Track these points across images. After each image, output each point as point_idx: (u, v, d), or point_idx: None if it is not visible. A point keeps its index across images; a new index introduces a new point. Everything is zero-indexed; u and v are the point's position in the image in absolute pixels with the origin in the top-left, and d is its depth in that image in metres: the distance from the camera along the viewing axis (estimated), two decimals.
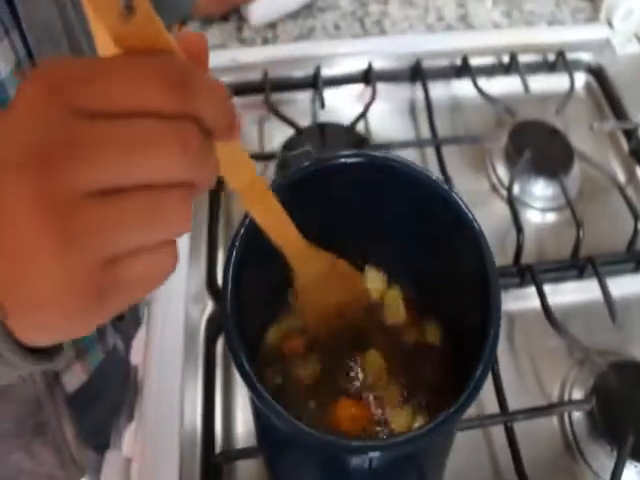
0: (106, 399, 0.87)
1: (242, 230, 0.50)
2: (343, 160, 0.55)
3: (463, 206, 0.52)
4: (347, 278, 0.57)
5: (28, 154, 0.29)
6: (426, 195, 0.54)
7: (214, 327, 0.74)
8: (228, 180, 0.40)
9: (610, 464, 0.64)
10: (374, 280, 0.61)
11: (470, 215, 0.51)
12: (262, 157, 0.89)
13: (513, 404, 0.67)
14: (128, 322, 0.89)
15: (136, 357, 0.74)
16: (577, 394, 0.70)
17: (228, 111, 0.33)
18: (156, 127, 0.30)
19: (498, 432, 0.67)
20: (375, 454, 0.44)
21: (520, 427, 0.66)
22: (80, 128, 0.29)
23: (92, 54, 0.74)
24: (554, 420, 0.69)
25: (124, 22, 0.31)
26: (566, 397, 0.70)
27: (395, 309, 0.61)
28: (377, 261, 0.62)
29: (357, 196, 0.57)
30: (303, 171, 0.54)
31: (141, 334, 0.75)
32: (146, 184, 0.31)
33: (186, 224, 0.32)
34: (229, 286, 0.47)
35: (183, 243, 0.78)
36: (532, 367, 0.73)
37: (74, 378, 0.78)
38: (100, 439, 0.85)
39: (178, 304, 0.73)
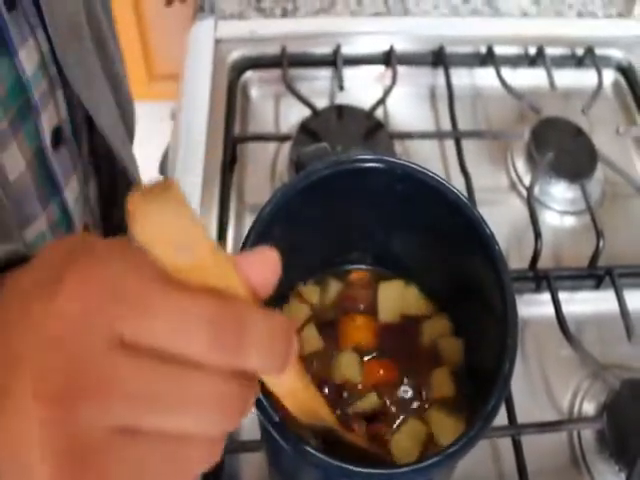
0: None
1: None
2: (360, 164, 0.52)
3: (484, 224, 0.49)
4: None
5: (50, 380, 0.27)
6: (445, 206, 0.51)
7: None
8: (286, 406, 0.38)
9: None
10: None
11: (490, 232, 0.49)
12: (277, 138, 0.87)
13: (521, 413, 0.66)
14: None
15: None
16: (588, 408, 0.69)
17: (283, 353, 0.30)
18: (198, 381, 0.28)
19: (505, 443, 0.66)
20: None
21: (527, 439, 0.65)
22: (116, 363, 0.27)
23: (117, 52, 0.71)
24: (563, 435, 0.68)
25: (182, 261, 0.27)
26: (576, 410, 0.69)
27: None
28: (391, 268, 0.60)
29: (373, 201, 0.55)
30: (318, 173, 0.51)
31: None
32: (179, 434, 0.28)
33: (208, 464, 0.30)
34: None
35: None
36: (542, 376, 0.72)
37: None
38: None
39: None
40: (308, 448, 0.41)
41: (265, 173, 0.85)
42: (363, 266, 0.60)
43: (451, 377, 0.54)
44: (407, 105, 0.94)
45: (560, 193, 0.83)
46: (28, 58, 0.53)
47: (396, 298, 0.58)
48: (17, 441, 0.27)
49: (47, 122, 0.58)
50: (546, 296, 0.74)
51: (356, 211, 0.55)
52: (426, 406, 0.54)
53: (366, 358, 0.56)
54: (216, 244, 0.28)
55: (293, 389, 0.38)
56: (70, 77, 0.57)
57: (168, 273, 0.27)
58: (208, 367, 0.28)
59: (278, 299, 0.57)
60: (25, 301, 0.28)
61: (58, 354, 0.27)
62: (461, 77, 0.95)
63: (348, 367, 0.55)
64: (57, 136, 0.60)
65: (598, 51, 0.96)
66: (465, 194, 0.51)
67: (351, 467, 0.41)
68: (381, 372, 0.55)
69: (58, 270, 0.27)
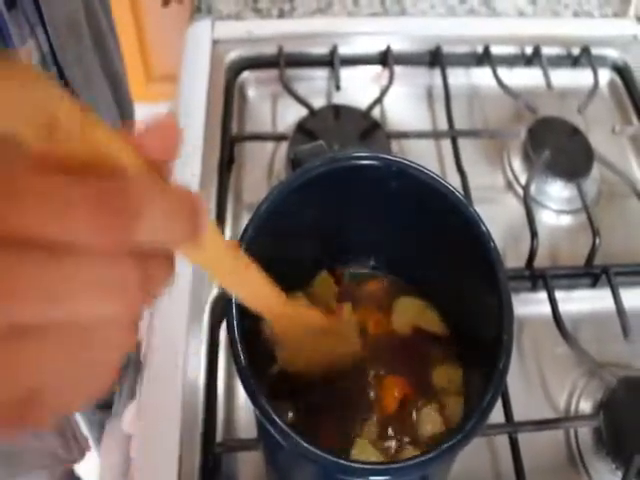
0: None
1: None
2: (356, 162, 0.53)
3: (481, 223, 0.49)
4: (337, 332, 0.53)
5: None
6: (441, 203, 0.51)
7: (218, 310, 0.72)
8: (210, 273, 0.36)
9: None
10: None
11: (485, 229, 0.49)
12: (274, 137, 0.88)
13: (518, 410, 0.66)
14: None
15: (140, 334, 0.73)
16: (584, 406, 0.69)
17: (185, 218, 0.28)
18: (88, 268, 0.25)
19: (501, 440, 0.66)
20: (376, 478, 0.42)
21: (524, 437, 0.65)
22: None
23: (117, 51, 0.71)
24: (559, 432, 0.68)
25: (48, 136, 0.24)
26: (573, 408, 0.69)
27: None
28: (386, 266, 0.61)
29: (369, 198, 0.55)
30: (314, 170, 0.51)
31: (145, 311, 0.73)
32: (76, 324, 0.26)
33: (121, 350, 0.28)
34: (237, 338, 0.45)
35: None
36: (539, 374, 0.72)
37: None
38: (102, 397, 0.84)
39: (183, 285, 0.72)
40: (304, 443, 0.41)
41: (262, 172, 0.85)
42: (358, 264, 0.60)
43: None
44: (404, 105, 0.94)
45: (556, 192, 0.84)
46: (28, 56, 0.53)
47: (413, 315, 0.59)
48: None
49: None
50: (542, 295, 0.74)
51: (352, 208, 0.55)
52: None
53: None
54: (89, 115, 0.26)
55: (229, 267, 0.36)
56: (69, 76, 0.57)
57: (35, 155, 0.25)
58: (93, 249, 0.25)
59: None
60: None
61: None
62: (458, 77, 0.95)
63: None
64: None
65: (594, 51, 0.96)
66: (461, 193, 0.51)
67: (347, 462, 0.41)
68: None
69: None
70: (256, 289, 0.41)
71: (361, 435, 0.53)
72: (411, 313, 0.58)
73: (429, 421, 0.53)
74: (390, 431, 0.53)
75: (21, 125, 0.24)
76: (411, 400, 0.54)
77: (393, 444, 0.52)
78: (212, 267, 0.36)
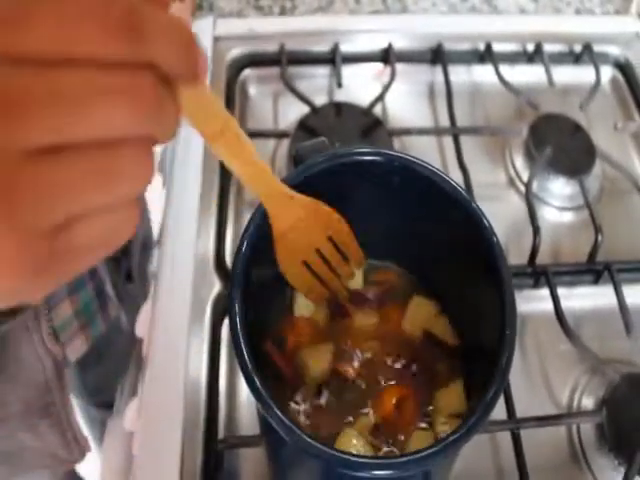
0: (108, 363, 0.87)
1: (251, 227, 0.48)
2: (358, 157, 0.53)
3: (483, 217, 0.49)
4: (328, 219, 0.52)
5: None
6: (443, 198, 0.51)
7: (220, 308, 0.72)
8: (196, 128, 0.36)
9: (616, 478, 0.63)
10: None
11: (489, 227, 0.49)
12: (275, 135, 0.87)
13: (520, 407, 0.66)
14: (135, 293, 0.88)
15: (141, 330, 0.73)
16: (587, 403, 0.69)
17: (190, 54, 0.29)
18: (102, 76, 0.26)
19: (504, 437, 0.66)
20: (378, 472, 0.42)
21: (527, 433, 0.65)
22: (10, 78, 0.25)
23: None
24: (562, 429, 0.68)
25: None
26: (575, 405, 0.69)
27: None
28: (390, 260, 0.61)
29: (371, 194, 0.55)
30: (317, 167, 0.52)
31: (147, 308, 0.73)
32: (97, 140, 0.27)
33: (144, 181, 0.29)
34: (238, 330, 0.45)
35: (191, 221, 0.76)
36: (542, 371, 0.72)
37: (76, 349, 0.77)
38: (104, 397, 0.84)
39: (185, 283, 0.72)
40: (307, 438, 0.41)
41: None
42: None
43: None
44: (406, 102, 0.94)
45: (558, 189, 0.84)
46: None
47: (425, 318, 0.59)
48: None
49: None
50: (545, 291, 0.74)
51: (355, 204, 0.55)
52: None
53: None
54: None
55: (223, 127, 0.37)
56: None
57: None
58: (110, 60, 0.26)
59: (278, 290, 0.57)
60: None
61: None
62: (459, 74, 0.95)
63: None
64: None
65: (596, 48, 0.96)
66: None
67: (350, 457, 0.41)
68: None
69: None
70: (246, 158, 0.42)
71: (353, 426, 0.53)
72: (424, 316, 0.58)
73: (420, 439, 0.53)
74: (381, 430, 0.53)
75: None
76: (409, 412, 0.54)
77: (380, 443, 0.52)
78: (204, 124, 0.36)
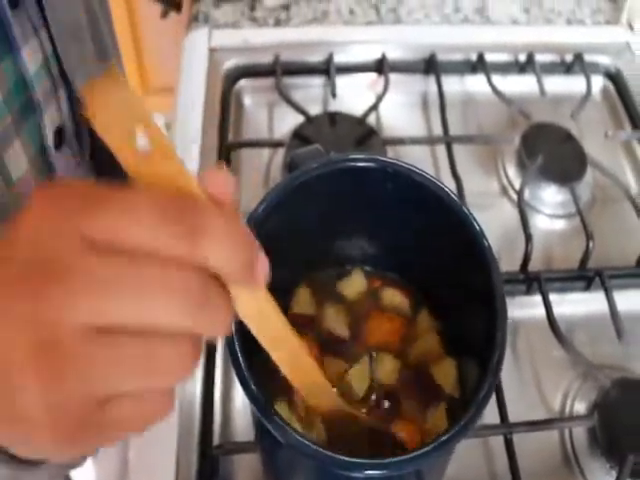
0: None
1: None
2: (352, 164, 0.53)
3: (474, 222, 0.50)
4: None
5: (21, 274, 0.28)
6: (435, 204, 0.52)
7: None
8: (250, 328, 0.37)
9: None
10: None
11: (480, 231, 0.50)
12: (270, 144, 0.88)
13: (513, 412, 0.67)
14: None
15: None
16: (579, 407, 0.69)
17: (245, 253, 0.31)
18: (154, 271, 0.29)
19: (497, 441, 0.67)
20: (372, 472, 0.43)
21: (519, 438, 0.66)
22: (83, 258, 0.28)
23: (116, 53, 0.72)
24: (554, 433, 0.69)
25: (136, 154, 0.29)
26: (567, 410, 0.70)
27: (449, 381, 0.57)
28: (382, 265, 0.61)
29: (365, 200, 0.56)
30: (311, 173, 0.52)
31: None
32: (145, 329, 0.29)
33: (181, 375, 0.31)
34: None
35: None
36: (534, 376, 0.73)
37: None
38: None
39: None
40: (301, 438, 0.42)
41: (259, 179, 0.86)
42: (352, 265, 0.61)
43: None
44: (399, 112, 0.95)
45: (550, 197, 0.84)
46: (31, 57, 0.54)
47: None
48: None
49: (49, 122, 0.59)
50: (537, 298, 0.75)
51: (349, 210, 0.56)
52: None
53: None
54: (171, 145, 0.30)
55: (283, 339, 0.38)
56: (72, 77, 0.58)
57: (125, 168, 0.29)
58: (166, 256, 0.29)
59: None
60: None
61: (28, 250, 0.28)
62: (452, 84, 0.96)
63: None
64: (59, 136, 0.61)
65: (587, 58, 0.97)
66: None
67: (343, 457, 0.42)
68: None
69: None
70: (304, 370, 0.42)
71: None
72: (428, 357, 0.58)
73: None
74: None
75: (123, 139, 0.29)
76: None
77: None
78: (260, 327, 0.37)
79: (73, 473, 0.90)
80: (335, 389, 0.47)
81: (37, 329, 0.28)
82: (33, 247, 0.28)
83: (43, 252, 0.28)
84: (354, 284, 0.61)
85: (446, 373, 0.56)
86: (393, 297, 0.60)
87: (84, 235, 0.28)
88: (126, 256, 0.28)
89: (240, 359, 0.44)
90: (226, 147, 0.85)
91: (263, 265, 0.32)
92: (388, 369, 0.57)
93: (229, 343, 0.44)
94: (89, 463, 0.83)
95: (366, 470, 0.42)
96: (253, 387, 0.43)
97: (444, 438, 0.42)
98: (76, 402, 0.29)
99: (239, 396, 0.70)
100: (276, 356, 0.39)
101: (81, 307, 0.28)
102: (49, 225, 0.29)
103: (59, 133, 0.61)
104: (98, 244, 0.28)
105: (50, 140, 0.59)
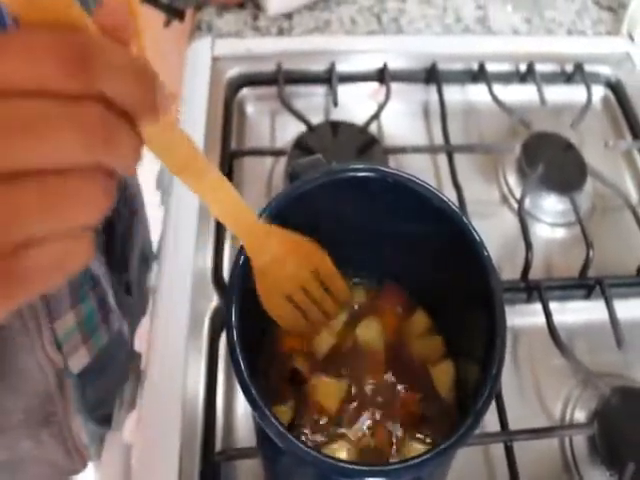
0: (109, 376, 0.88)
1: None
2: (353, 174, 0.54)
3: (474, 232, 0.50)
4: (311, 255, 0.53)
5: None
6: (435, 214, 0.52)
7: (218, 322, 0.73)
8: (162, 162, 0.37)
9: None
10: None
11: (481, 245, 0.50)
12: (273, 152, 0.89)
13: (513, 419, 0.67)
14: (134, 307, 0.89)
15: (140, 345, 0.74)
16: (579, 415, 0.70)
17: (146, 90, 0.31)
18: (51, 107, 0.28)
19: (497, 449, 0.67)
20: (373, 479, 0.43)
21: (519, 445, 0.66)
22: None
23: None
24: (554, 441, 0.69)
25: None
26: (568, 418, 0.70)
27: (445, 384, 0.57)
28: (383, 276, 0.62)
29: (366, 211, 0.56)
30: (312, 183, 0.53)
31: (145, 322, 0.74)
32: (47, 167, 0.28)
33: (94, 210, 0.30)
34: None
35: (189, 237, 0.77)
36: (534, 384, 0.73)
37: (78, 361, 0.78)
38: (103, 410, 0.85)
39: (183, 297, 0.73)
40: (302, 446, 0.42)
41: (261, 187, 0.86)
42: (356, 275, 0.62)
43: None
44: (401, 121, 0.95)
45: (550, 206, 0.85)
46: None
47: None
48: None
49: None
50: (537, 306, 0.75)
51: (350, 220, 0.56)
52: None
53: None
54: None
55: (187, 160, 0.38)
56: None
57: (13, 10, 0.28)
58: (59, 92, 0.28)
59: None
60: None
61: None
62: (453, 93, 0.97)
63: None
64: None
65: (587, 68, 0.98)
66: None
67: (343, 464, 0.42)
68: None
69: None
70: (225, 198, 0.43)
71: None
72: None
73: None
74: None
75: None
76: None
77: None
78: (170, 157, 0.37)
79: (78, 478, 0.91)
80: None
81: None
82: None
83: None
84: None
85: (444, 374, 0.57)
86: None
87: None
88: (13, 98, 0.27)
89: (242, 365, 0.44)
90: (229, 155, 0.86)
91: (163, 95, 0.32)
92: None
93: (231, 350, 0.45)
94: (90, 469, 0.84)
95: (366, 477, 0.42)
96: (254, 393, 0.44)
97: (444, 446, 0.42)
98: None
99: (241, 402, 0.70)
100: (183, 180, 0.39)
101: None
102: None
103: None
104: None
105: None
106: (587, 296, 0.78)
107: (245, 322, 0.47)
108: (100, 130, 0.29)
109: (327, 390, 0.56)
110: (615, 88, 0.99)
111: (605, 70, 0.99)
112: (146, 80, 0.31)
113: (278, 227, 0.48)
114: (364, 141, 0.88)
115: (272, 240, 0.48)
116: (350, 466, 0.42)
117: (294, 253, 0.50)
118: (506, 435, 0.66)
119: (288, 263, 0.51)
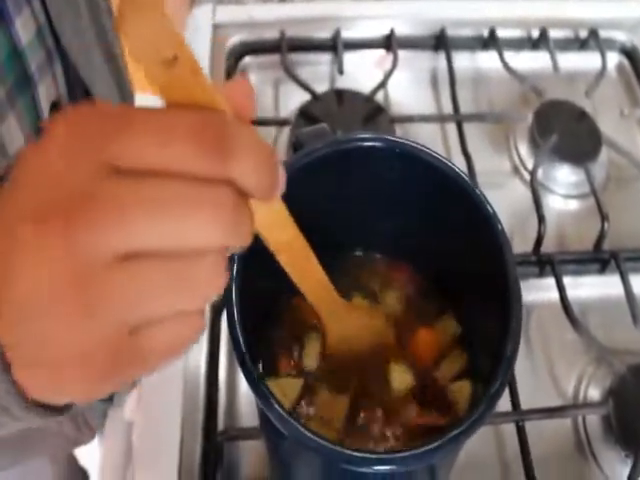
0: None
1: None
2: (359, 144, 0.51)
3: (487, 204, 0.48)
4: (377, 325, 0.54)
5: (49, 208, 0.27)
6: (445, 185, 0.50)
7: (220, 300, 0.71)
8: (263, 237, 0.37)
9: (623, 471, 0.62)
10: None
11: (493, 214, 0.48)
12: (276, 122, 0.87)
13: (525, 398, 0.65)
14: None
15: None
16: (593, 393, 0.68)
17: (270, 173, 0.30)
18: (187, 190, 0.28)
19: (508, 428, 0.65)
20: (380, 468, 0.41)
21: (531, 425, 0.64)
22: (107, 185, 0.27)
23: (116, 35, 0.70)
24: (567, 421, 0.67)
25: (165, 71, 0.29)
26: (581, 396, 0.68)
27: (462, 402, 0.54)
28: (391, 252, 0.59)
29: (373, 181, 0.53)
30: (317, 152, 0.50)
31: None
32: (178, 250, 0.28)
33: (217, 290, 0.30)
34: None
35: None
36: (547, 361, 0.71)
37: None
38: None
39: None
40: (307, 432, 0.40)
41: None
42: (361, 250, 0.59)
43: None
44: (408, 89, 0.93)
45: (564, 176, 0.82)
46: (24, 28, 0.52)
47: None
48: (18, 262, 0.27)
49: (45, 95, 0.57)
50: (550, 281, 0.73)
51: (356, 192, 0.54)
52: None
53: None
54: (196, 59, 0.30)
55: (290, 240, 0.39)
56: (67, 48, 0.56)
57: (152, 89, 0.29)
58: (197, 175, 0.28)
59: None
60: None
61: (51, 182, 0.27)
62: (463, 60, 0.94)
63: None
64: (55, 110, 0.59)
65: (602, 33, 0.95)
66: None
67: (350, 452, 0.40)
68: None
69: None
70: (311, 273, 0.43)
71: None
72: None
73: None
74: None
75: (153, 56, 0.28)
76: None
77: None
78: (273, 235, 0.38)
79: (79, 452, 0.90)
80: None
81: (64, 263, 0.27)
82: (55, 180, 0.27)
83: (67, 183, 0.27)
84: None
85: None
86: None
87: (107, 161, 0.27)
88: (155, 178, 0.28)
89: (244, 350, 0.42)
90: None
91: (283, 180, 0.32)
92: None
93: (233, 336, 0.43)
94: (95, 443, 0.83)
95: (374, 466, 0.40)
96: (256, 377, 0.42)
97: (455, 433, 0.40)
98: (109, 334, 0.28)
99: (243, 382, 0.68)
100: (280, 259, 0.40)
101: (111, 235, 0.27)
102: (70, 153, 0.27)
103: (55, 107, 0.59)
104: (123, 168, 0.27)
105: (46, 114, 0.57)
106: (602, 270, 0.76)
107: (246, 299, 0.45)
108: (233, 213, 0.29)
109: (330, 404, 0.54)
110: (630, 54, 0.96)
111: (620, 36, 0.97)
112: (273, 164, 0.31)
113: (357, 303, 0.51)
114: (370, 110, 0.86)
115: (352, 317, 0.50)
116: (357, 454, 0.40)
117: (368, 331, 0.52)
118: (517, 415, 0.64)
119: (364, 340, 0.52)
